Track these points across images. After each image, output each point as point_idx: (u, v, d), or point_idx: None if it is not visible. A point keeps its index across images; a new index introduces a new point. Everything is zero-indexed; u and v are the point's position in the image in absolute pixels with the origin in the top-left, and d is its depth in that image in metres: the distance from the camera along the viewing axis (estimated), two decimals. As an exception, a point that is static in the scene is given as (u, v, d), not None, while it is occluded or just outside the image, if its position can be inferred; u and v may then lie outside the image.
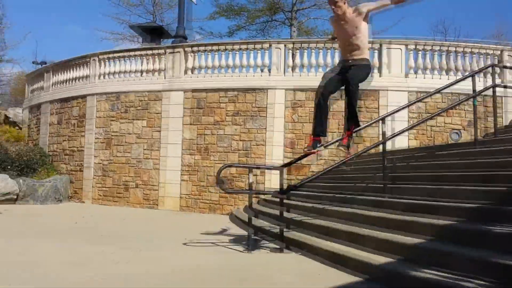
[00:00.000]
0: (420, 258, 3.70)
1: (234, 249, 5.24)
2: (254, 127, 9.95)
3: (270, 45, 10.27)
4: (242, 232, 7.01)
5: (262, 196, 9.02)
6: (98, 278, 3.68)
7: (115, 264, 4.31)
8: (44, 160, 11.81)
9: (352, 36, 4.71)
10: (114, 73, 11.58)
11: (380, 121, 5.56)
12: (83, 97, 11.75)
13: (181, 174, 10.42)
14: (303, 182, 5.98)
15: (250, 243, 5.06)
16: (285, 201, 5.83)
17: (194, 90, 10.55)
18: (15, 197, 10.19)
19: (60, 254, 4.74)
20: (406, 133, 8.90)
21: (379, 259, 3.91)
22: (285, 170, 5.90)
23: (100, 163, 11.25)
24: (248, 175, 5.32)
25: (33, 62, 23.37)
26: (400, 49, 9.71)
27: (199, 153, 10.33)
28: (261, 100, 9.99)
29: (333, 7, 4.69)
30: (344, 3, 4.65)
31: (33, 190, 10.39)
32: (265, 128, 9.89)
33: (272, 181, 9.29)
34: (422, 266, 3.54)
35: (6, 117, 14.72)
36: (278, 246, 5.02)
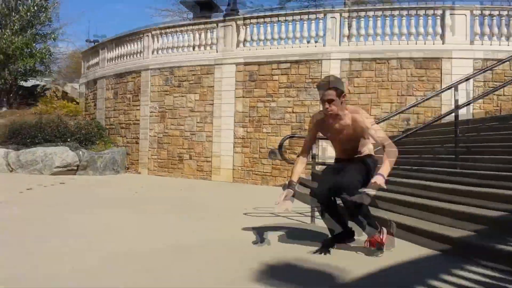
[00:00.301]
0: (501, 231, 3.48)
1: (296, 221, 5.18)
2: (308, 98, 9.76)
3: (324, 15, 9.95)
4: (300, 203, 6.95)
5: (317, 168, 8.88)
6: (177, 245, 3.74)
7: (185, 233, 4.37)
8: (101, 133, 12.19)
9: (346, 141, 3.55)
10: (167, 48, 11.67)
11: (453, 89, 5.21)
12: (138, 72, 11.95)
13: (234, 146, 10.45)
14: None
15: (313, 215, 4.97)
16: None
17: (246, 63, 10.45)
18: (76, 168, 10.61)
19: (133, 224, 4.85)
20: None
21: (454, 232, 3.72)
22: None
23: (155, 136, 11.49)
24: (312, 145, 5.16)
25: (86, 41, 24.03)
26: (465, 14, 9.11)
27: (251, 125, 10.29)
28: (315, 71, 9.75)
29: (326, 106, 3.39)
30: (342, 102, 3.41)
31: (92, 162, 10.77)
32: (319, 100, 9.65)
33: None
34: (505, 239, 3.32)
35: (64, 92, 15.27)
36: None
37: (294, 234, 4.34)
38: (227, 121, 10.51)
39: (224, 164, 10.51)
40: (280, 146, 5.06)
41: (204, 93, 10.85)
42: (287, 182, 3.55)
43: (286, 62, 10.01)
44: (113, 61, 13.08)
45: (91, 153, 10.94)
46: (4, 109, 13.99)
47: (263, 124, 10.16)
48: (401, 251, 3.63)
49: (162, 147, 11.36)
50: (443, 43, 9.14)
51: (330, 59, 9.69)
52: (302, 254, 3.49)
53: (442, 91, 6.34)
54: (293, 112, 9.90)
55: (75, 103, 14.76)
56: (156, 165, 11.45)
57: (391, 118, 7.73)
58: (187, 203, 6.74)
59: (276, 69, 10.12)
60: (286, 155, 9.73)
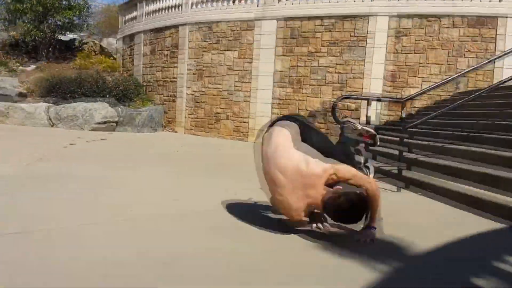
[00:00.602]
0: None
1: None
2: (352, 58, 9.30)
3: (374, -34, 9.29)
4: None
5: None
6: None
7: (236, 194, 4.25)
8: (139, 90, 12.15)
9: None
10: (206, 1, 11.26)
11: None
12: (175, 27, 11.67)
13: (272, 107, 10.20)
14: (426, 119, 5.37)
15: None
16: (389, 137, 5.33)
17: (287, 19, 9.99)
18: (115, 124, 10.65)
19: (180, 182, 4.77)
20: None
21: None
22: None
23: (192, 94, 11.34)
24: (367, 107, 4.87)
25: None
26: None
27: (291, 85, 9.96)
28: (360, 29, 9.22)
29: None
30: None
31: (131, 118, 10.78)
32: (364, 59, 9.21)
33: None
34: None
35: (101, 47, 15.22)
36: (395, 186, 4.63)
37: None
38: (265, 80, 10.21)
39: (262, 125, 10.30)
40: (334, 107, 4.76)
41: (243, 50, 10.52)
42: None
43: (330, 17, 9.51)
44: (151, 16, 12.80)
45: (130, 110, 10.95)
46: (43, 62, 14.09)
47: (303, 84, 9.81)
48: (467, 223, 3.40)
49: (199, 106, 11.21)
50: (499, 1, 8.42)
51: (377, 15, 9.13)
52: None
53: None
54: (335, 72, 9.49)
55: (112, 58, 14.71)
56: (192, 124, 11.37)
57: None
58: (231, 164, 6.65)
59: (319, 25, 9.64)
60: (325, 117, 9.48)
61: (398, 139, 5.77)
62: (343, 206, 2.60)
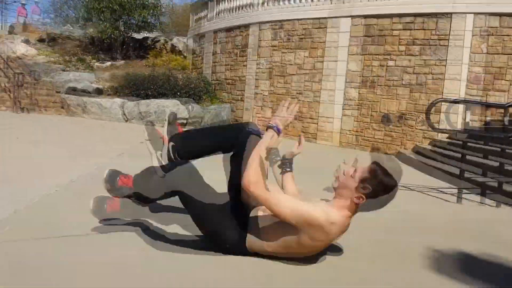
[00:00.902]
0: None
1: (438, 198, 4.58)
2: (432, 58, 8.76)
3: (460, -41, 8.69)
4: (426, 176, 6.32)
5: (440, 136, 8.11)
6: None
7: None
8: (208, 88, 12.26)
9: None
10: (278, 0, 11.12)
11: None
12: (246, 26, 11.64)
13: (343, 109, 9.87)
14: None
15: (460, 194, 4.34)
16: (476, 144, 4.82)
17: (363, 17, 9.61)
18: (185, 121, 10.81)
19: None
20: None
21: None
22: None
23: (261, 93, 11.25)
24: (465, 112, 4.46)
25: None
26: None
27: (364, 86, 9.58)
28: (443, 27, 8.66)
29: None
30: None
31: (200, 116, 10.90)
32: (445, 60, 8.64)
33: (448, 121, 8.33)
34: None
35: (173, 46, 15.56)
36: (494, 201, 4.21)
37: (445, 214, 3.83)
38: (337, 80, 9.90)
39: (331, 127, 10.01)
40: (429, 110, 4.42)
41: (314, 49, 10.26)
42: None
43: (409, 15, 9.01)
44: (222, 14, 12.89)
45: (199, 107, 11.07)
46: (118, 60, 14.65)
47: (377, 85, 9.39)
48: None
49: (267, 106, 11.10)
50: None
51: (461, 13, 8.52)
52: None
53: None
54: (413, 73, 8.99)
55: (182, 56, 15.00)
56: (259, 124, 11.28)
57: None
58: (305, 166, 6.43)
59: (397, 23, 9.16)
60: (402, 121, 9.03)
61: (488, 147, 5.32)
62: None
